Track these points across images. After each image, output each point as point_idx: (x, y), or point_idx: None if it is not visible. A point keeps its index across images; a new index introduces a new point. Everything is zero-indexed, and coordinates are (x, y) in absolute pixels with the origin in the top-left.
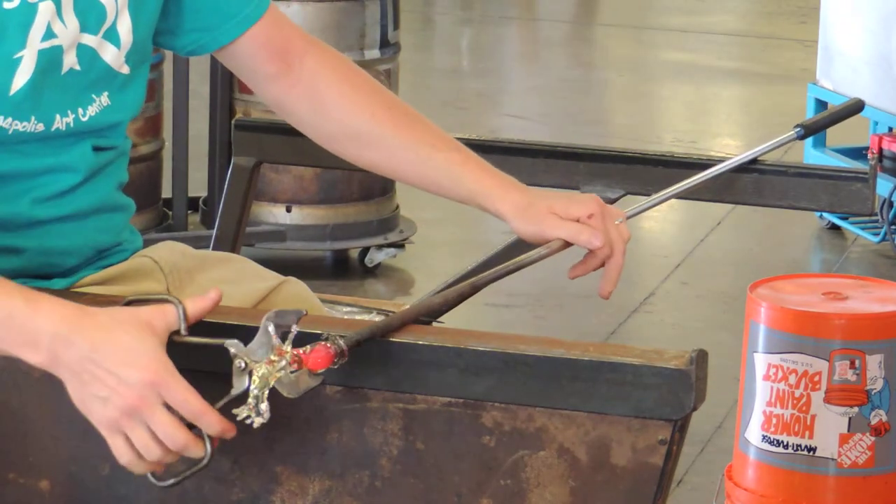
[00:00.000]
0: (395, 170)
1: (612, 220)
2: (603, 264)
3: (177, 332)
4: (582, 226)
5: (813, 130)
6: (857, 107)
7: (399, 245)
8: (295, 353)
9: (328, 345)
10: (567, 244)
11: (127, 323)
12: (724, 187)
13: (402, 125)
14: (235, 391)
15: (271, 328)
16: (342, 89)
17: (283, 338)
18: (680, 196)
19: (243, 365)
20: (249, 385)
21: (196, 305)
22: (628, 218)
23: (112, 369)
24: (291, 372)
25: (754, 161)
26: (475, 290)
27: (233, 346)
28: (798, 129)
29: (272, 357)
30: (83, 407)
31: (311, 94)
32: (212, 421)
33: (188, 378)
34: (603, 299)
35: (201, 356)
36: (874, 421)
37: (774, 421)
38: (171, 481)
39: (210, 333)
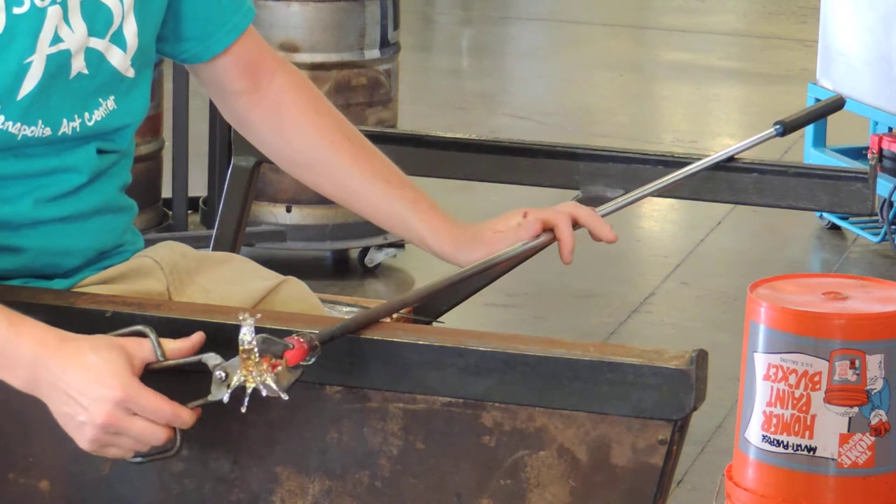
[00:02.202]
0: (348, 200)
1: (549, 211)
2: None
3: (154, 361)
4: (518, 226)
5: (792, 128)
6: (836, 104)
7: (399, 245)
8: (270, 358)
9: (301, 340)
10: (552, 241)
11: (99, 348)
12: (723, 187)
13: (359, 157)
14: (212, 398)
15: (256, 351)
16: (306, 113)
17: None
18: (659, 194)
19: (224, 376)
20: (232, 382)
21: (176, 345)
22: (604, 216)
23: (81, 391)
24: (272, 372)
25: (731, 159)
26: (451, 285)
27: (210, 359)
28: (777, 126)
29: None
30: (66, 429)
31: (273, 114)
32: (185, 419)
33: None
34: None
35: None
36: (874, 421)
37: (774, 421)
38: (139, 459)
39: (211, 335)
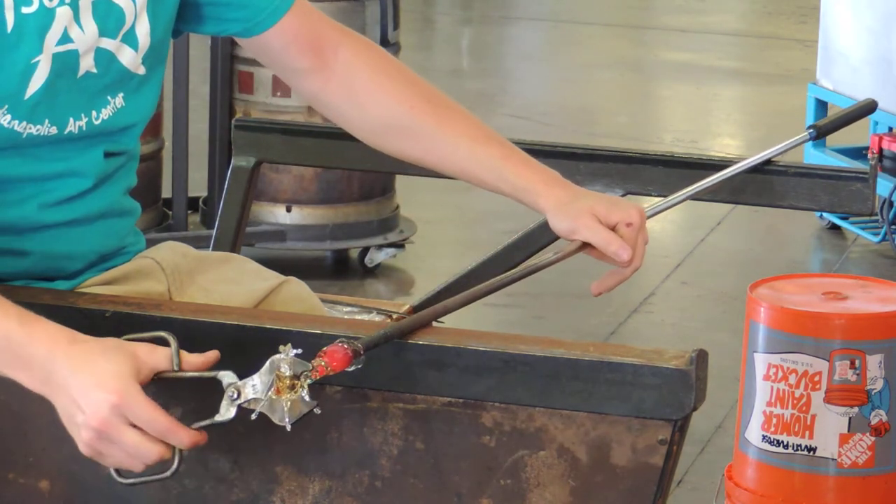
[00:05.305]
0: (436, 163)
1: (643, 238)
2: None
3: (170, 370)
4: (614, 236)
5: (826, 131)
6: (869, 107)
7: (399, 245)
8: (312, 364)
9: (346, 346)
10: (584, 247)
11: (109, 350)
12: (723, 187)
13: (442, 117)
14: (220, 417)
15: (279, 367)
16: (379, 81)
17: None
18: (695, 197)
19: (236, 395)
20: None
21: (191, 359)
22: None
23: (81, 393)
24: (287, 397)
25: (769, 162)
26: (489, 292)
27: (226, 377)
28: (811, 130)
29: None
30: (69, 430)
31: (347, 88)
32: (180, 437)
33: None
34: (594, 296)
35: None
36: (874, 421)
37: (774, 421)
38: (132, 481)
39: (211, 335)
